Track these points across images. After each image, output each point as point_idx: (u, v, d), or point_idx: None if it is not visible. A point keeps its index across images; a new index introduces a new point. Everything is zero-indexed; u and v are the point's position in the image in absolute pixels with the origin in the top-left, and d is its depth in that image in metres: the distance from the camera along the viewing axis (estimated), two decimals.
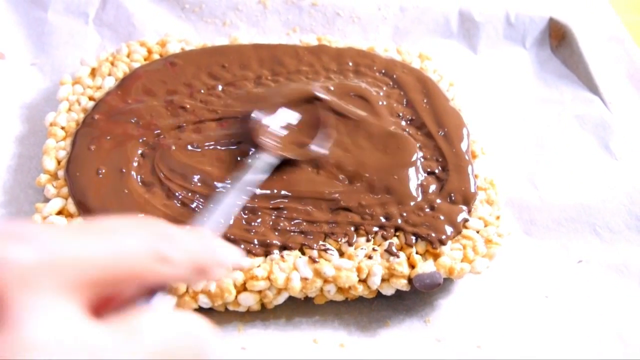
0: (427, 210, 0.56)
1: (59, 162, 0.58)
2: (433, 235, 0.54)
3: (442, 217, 0.55)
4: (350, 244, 0.53)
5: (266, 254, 0.52)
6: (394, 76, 0.66)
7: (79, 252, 0.29)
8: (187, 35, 0.72)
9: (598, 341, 0.53)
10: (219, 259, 0.36)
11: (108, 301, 0.31)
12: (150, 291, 0.34)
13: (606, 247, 0.59)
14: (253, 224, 0.54)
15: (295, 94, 0.61)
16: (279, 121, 0.58)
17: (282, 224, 0.54)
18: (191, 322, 0.32)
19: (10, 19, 0.72)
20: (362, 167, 0.58)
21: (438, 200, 0.56)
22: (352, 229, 0.54)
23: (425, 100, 0.64)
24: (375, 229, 0.54)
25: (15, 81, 0.67)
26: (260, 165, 0.53)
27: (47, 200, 0.56)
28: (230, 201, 0.50)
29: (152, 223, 0.34)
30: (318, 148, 0.58)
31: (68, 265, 0.29)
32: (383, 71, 0.67)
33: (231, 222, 0.52)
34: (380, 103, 0.63)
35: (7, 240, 0.28)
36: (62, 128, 0.60)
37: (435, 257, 0.54)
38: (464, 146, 0.61)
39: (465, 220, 0.56)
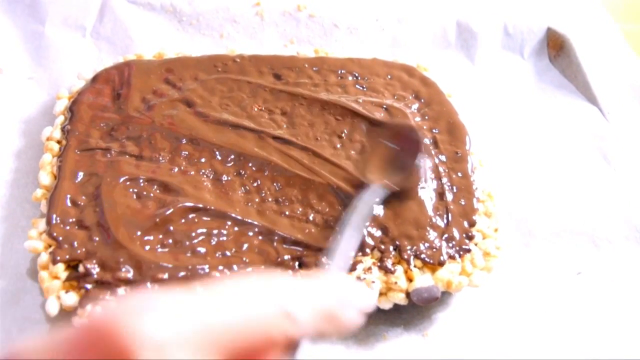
0: (428, 228, 0.55)
1: (55, 177, 0.57)
2: (431, 256, 0.53)
3: (444, 236, 0.55)
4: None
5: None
6: (400, 84, 0.67)
7: (211, 321, 0.30)
8: (184, 48, 0.72)
9: (598, 353, 0.52)
10: (346, 302, 0.36)
11: None
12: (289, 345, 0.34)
13: (605, 259, 0.59)
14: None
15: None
16: None
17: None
18: None
19: (7, 33, 0.72)
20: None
21: (438, 218, 0.56)
22: None
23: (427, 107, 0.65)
24: (373, 243, 0.54)
25: (12, 95, 0.67)
26: (372, 199, 0.53)
27: (43, 215, 0.56)
28: (352, 237, 0.49)
29: (275, 278, 0.34)
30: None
31: (201, 335, 0.29)
32: (389, 77, 0.67)
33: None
34: (378, 115, 0.63)
35: (140, 314, 0.29)
36: (59, 142, 0.60)
37: (433, 270, 0.53)
38: (467, 161, 0.61)
39: (471, 238, 0.55)
